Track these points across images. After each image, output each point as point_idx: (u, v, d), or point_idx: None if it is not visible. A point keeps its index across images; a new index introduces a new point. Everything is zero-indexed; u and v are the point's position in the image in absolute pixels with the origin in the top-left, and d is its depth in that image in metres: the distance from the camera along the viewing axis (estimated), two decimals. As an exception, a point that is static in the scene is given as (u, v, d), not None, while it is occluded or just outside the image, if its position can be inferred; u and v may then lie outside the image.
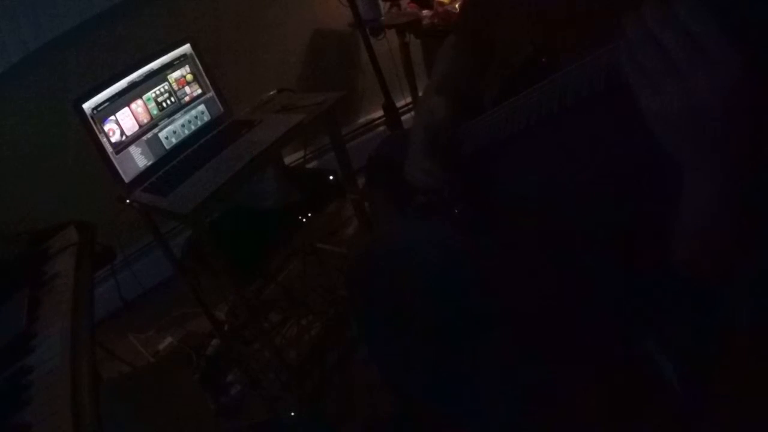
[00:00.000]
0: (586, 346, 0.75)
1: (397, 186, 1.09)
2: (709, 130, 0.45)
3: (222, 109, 1.50)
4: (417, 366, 0.83)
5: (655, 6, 0.45)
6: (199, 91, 1.46)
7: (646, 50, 0.45)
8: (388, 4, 2.03)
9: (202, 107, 1.46)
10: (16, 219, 1.63)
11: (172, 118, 1.39)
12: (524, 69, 0.73)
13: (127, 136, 1.30)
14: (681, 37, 0.43)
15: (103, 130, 1.25)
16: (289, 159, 1.88)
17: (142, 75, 1.34)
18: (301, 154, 1.61)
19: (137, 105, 1.32)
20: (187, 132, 1.42)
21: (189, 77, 1.44)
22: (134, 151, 1.31)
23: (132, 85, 1.32)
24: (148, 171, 1.33)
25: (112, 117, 1.27)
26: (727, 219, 0.52)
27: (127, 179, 1.29)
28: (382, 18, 2.01)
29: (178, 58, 1.41)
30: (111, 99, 1.27)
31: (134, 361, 1.65)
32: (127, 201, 1.27)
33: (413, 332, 0.82)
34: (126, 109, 1.30)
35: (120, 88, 1.29)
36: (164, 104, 1.38)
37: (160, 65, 1.37)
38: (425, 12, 1.88)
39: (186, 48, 1.43)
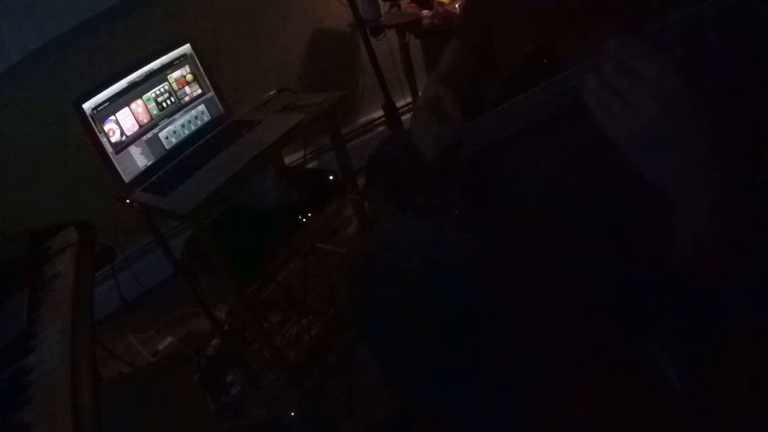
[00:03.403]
0: (586, 346, 0.75)
1: (397, 186, 1.09)
2: (674, 141, 0.47)
3: (222, 109, 1.50)
4: (417, 366, 0.83)
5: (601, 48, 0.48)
6: (199, 91, 1.46)
7: (600, 90, 0.49)
8: (388, 4, 2.03)
9: (202, 107, 1.46)
10: (16, 219, 1.63)
11: (172, 118, 1.39)
12: (525, 70, 0.73)
13: (127, 136, 1.30)
14: (618, 69, 0.47)
15: (103, 130, 1.25)
16: (289, 159, 1.88)
17: (142, 75, 1.34)
18: (301, 154, 1.61)
19: (137, 105, 1.32)
20: (187, 132, 1.42)
21: (189, 77, 1.44)
22: (134, 151, 1.31)
23: (132, 85, 1.32)
24: (148, 171, 1.33)
25: (112, 117, 1.27)
26: (726, 221, 0.52)
27: (127, 179, 1.29)
28: (382, 18, 2.01)
29: (178, 58, 1.41)
30: (111, 99, 1.27)
31: (134, 361, 1.65)
32: (127, 201, 1.27)
33: (413, 332, 0.82)
34: (126, 109, 1.30)
35: (120, 88, 1.29)
36: (164, 104, 1.38)
37: (160, 65, 1.37)
38: (425, 12, 1.88)
39: (186, 48, 1.43)
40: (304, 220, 1.45)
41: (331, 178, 1.56)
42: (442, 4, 1.81)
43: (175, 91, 1.40)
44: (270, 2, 2.04)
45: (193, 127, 1.43)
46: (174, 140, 1.39)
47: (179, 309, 1.85)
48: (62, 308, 0.80)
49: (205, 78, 1.47)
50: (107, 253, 1.10)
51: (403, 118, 2.08)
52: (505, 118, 0.74)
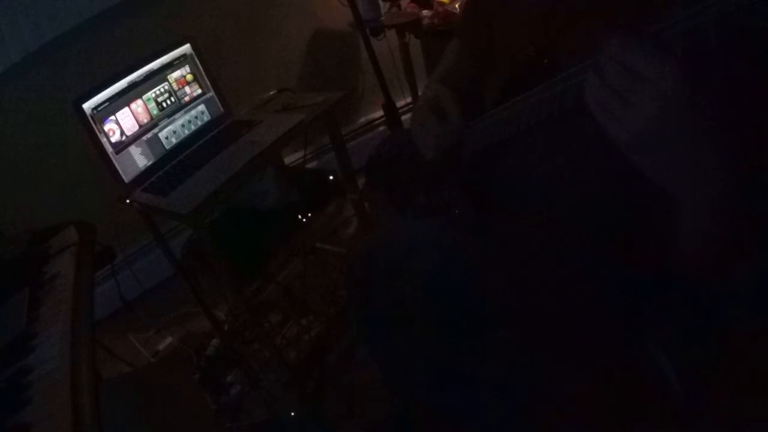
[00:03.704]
0: (586, 346, 0.75)
1: (397, 186, 1.09)
2: (674, 141, 0.47)
3: (222, 109, 1.50)
4: (417, 366, 0.83)
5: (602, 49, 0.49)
6: (199, 91, 1.46)
7: (600, 90, 0.49)
8: (388, 4, 2.03)
9: (202, 107, 1.46)
10: (16, 219, 1.63)
11: (172, 118, 1.39)
12: (525, 70, 0.73)
13: (127, 136, 1.30)
14: (619, 69, 0.47)
15: (103, 130, 1.25)
16: (289, 159, 1.88)
17: (142, 75, 1.34)
18: (301, 154, 1.61)
19: (137, 105, 1.32)
20: (187, 132, 1.42)
21: (189, 77, 1.44)
22: (134, 151, 1.31)
23: (132, 85, 1.32)
24: (148, 171, 1.33)
25: (112, 117, 1.27)
26: (726, 221, 0.52)
27: (127, 179, 1.29)
28: (382, 18, 2.00)
29: (178, 58, 1.41)
30: (111, 99, 1.27)
31: (134, 361, 1.65)
32: (127, 201, 1.27)
33: (413, 332, 0.82)
34: (126, 109, 1.30)
35: (120, 88, 1.29)
36: (164, 104, 1.38)
37: (160, 65, 1.37)
38: (425, 12, 1.88)
39: (186, 48, 1.43)
40: (304, 220, 1.46)
41: (331, 178, 1.56)
42: (442, 4, 1.81)
43: (175, 91, 1.40)
44: (270, 2, 2.04)
45: (193, 127, 1.43)
46: (174, 140, 1.39)
47: (179, 309, 1.85)
48: (62, 308, 0.80)
49: (205, 78, 1.47)
50: (107, 253, 1.10)
51: (403, 118, 2.08)
52: (506, 118, 0.74)
